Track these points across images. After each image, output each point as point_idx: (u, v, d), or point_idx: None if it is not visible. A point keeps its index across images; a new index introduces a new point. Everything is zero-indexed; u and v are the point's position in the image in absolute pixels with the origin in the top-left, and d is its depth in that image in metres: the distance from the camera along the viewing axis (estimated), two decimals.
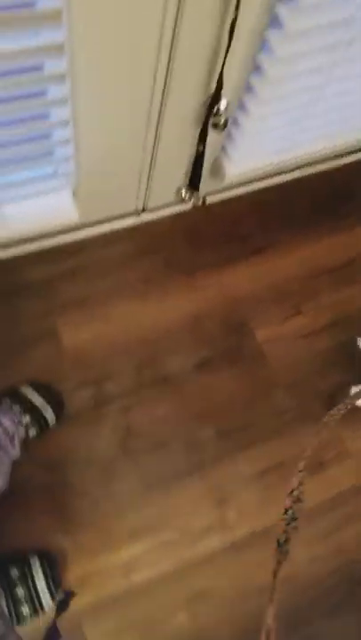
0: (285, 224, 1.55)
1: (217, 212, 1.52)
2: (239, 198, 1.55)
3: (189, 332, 1.40)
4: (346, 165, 1.63)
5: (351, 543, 1.28)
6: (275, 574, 0.82)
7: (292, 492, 0.94)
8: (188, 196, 1.34)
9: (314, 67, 1.01)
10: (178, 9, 0.79)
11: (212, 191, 1.48)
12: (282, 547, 0.85)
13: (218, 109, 1.03)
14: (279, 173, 1.54)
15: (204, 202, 1.41)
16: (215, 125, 1.06)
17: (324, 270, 1.51)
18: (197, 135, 1.14)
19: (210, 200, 1.51)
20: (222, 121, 1.04)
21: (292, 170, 1.55)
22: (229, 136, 1.22)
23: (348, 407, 1.24)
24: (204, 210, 1.48)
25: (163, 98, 0.99)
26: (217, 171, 1.34)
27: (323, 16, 0.88)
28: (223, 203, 1.53)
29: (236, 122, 1.15)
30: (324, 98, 1.13)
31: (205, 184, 1.42)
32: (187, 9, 0.80)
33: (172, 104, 1.02)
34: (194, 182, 1.27)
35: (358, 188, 1.63)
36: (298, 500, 0.93)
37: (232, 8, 0.81)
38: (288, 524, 0.88)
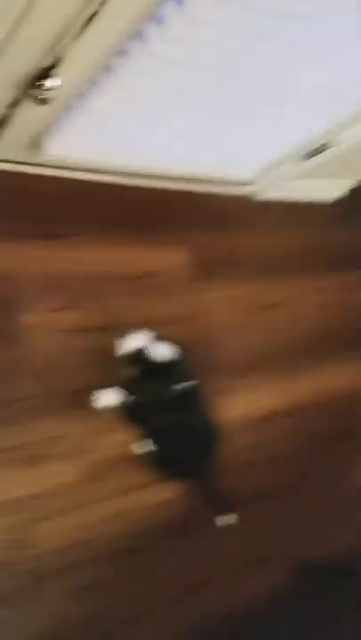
0: (94, 222, 1.55)
1: (28, 184, 1.46)
2: (57, 180, 1.50)
3: None
4: (175, 191, 1.70)
5: (41, 540, 1.31)
6: None
7: None
8: None
9: (167, 87, 1.04)
10: None
11: (27, 162, 1.44)
12: None
13: (42, 84, 0.99)
14: (108, 173, 1.53)
15: None
16: (33, 98, 1.03)
17: (113, 277, 1.55)
18: (10, 98, 1.09)
19: (24, 170, 1.46)
20: (42, 97, 1.01)
21: (122, 175, 1.55)
22: (64, 115, 1.18)
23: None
24: (3, 176, 1.42)
25: None
26: (36, 143, 1.30)
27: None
28: (38, 178, 1.47)
29: (72, 105, 1.13)
30: (166, 118, 1.16)
31: (18, 151, 1.37)
32: None
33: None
34: None
35: (175, 215, 1.72)
36: None
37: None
38: None
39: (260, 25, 0.90)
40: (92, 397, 1.35)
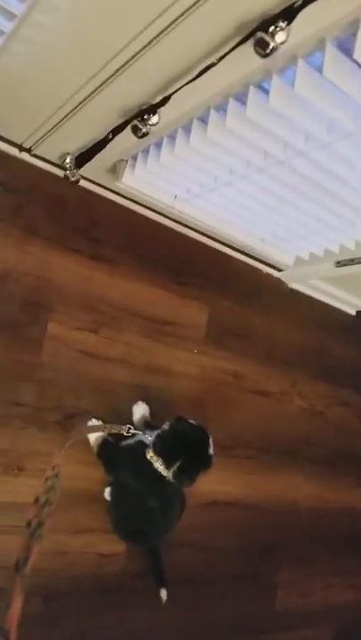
0: (138, 255, 1.60)
1: (95, 204, 1.51)
2: (120, 208, 1.56)
3: None
4: (217, 250, 1.77)
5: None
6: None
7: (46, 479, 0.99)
8: (69, 165, 1.30)
9: (245, 154, 1.10)
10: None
11: (103, 185, 1.48)
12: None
13: (147, 118, 1.04)
14: (167, 216, 1.61)
15: (77, 181, 1.37)
16: (135, 130, 1.08)
17: (140, 314, 1.58)
18: (116, 124, 1.13)
19: (98, 191, 1.50)
20: (143, 130, 1.06)
21: (178, 222, 1.63)
22: (147, 151, 1.24)
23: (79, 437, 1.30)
24: (79, 191, 1.46)
25: (117, 71, 0.98)
26: (116, 170, 1.35)
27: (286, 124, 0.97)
28: (105, 201, 1.53)
29: (159, 145, 1.18)
30: (236, 186, 1.23)
31: (98, 173, 1.41)
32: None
33: (120, 82, 1.01)
34: (81, 159, 1.26)
35: (210, 273, 1.77)
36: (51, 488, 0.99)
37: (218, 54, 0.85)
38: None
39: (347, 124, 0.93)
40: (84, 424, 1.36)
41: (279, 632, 1.91)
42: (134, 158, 1.28)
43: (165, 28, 0.84)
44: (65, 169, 1.33)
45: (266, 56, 0.73)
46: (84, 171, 1.37)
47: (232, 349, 1.83)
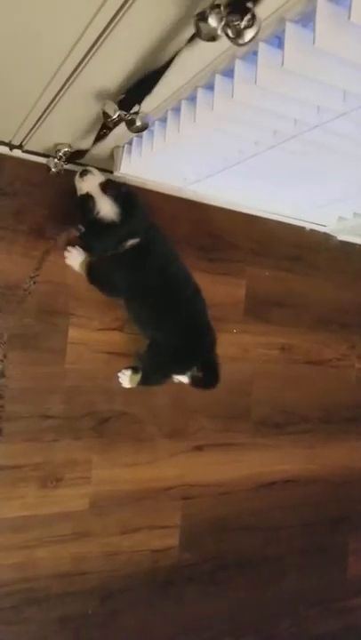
0: None
1: None
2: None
3: (3, 288, 1.26)
4: (249, 215, 1.58)
5: (37, 564, 1.29)
6: None
7: None
8: (63, 157, 1.17)
9: (240, 137, 0.91)
10: None
11: (105, 168, 1.33)
12: None
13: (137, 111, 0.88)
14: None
15: (58, 172, 1.22)
16: (130, 123, 0.92)
17: None
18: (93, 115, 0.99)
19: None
20: (138, 123, 0.90)
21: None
22: (141, 136, 1.08)
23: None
24: None
25: (83, 59, 0.82)
26: (113, 159, 1.21)
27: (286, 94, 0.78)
28: None
29: (152, 130, 1.02)
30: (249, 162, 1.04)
31: (99, 160, 1.27)
32: None
33: (97, 62, 0.85)
34: (76, 155, 1.12)
35: (243, 242, 1.60)
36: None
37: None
38: None
39: None
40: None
41: (353, 598, 1.87)
42: (130, 143, 1.12)
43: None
44: (58, 161, 1.19)
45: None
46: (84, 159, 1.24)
47: (277, 321, 1.68)
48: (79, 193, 1.18)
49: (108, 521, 1.37)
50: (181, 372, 1.32)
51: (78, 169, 1.23)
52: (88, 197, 1.15)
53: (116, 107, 0.88)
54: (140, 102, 0.88)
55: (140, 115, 0.90)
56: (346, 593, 1.85)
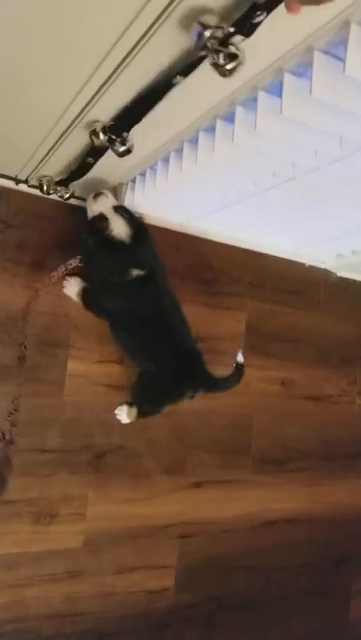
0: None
1: None
2: None
3: (4, 318, 1.26)
4: (250, 251, 1.60)
5: (29, 603, 1.26)
6: None
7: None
8: (53, 187, 1.19)
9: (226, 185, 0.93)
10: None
11: None
12: None
13: (123, 137, 0.90)
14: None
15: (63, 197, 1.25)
16: (111, 141, 0.94)
17: None
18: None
19: None
20: (121, 149, 0.92)
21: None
22: (144, 175, 1.10)
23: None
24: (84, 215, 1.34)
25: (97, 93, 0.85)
26: (117, 194, 1.23)
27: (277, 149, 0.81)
28: None
29: (155, 169, 1.04)
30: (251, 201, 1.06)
31: None
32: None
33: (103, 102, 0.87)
34: (67, 180, 1.14)
35: (244, 276, 1.61)
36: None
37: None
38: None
39: None
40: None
41: None
42: (133, 181, 1.15)
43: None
44: (48, 189, 1.21)
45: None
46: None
47: (277, 355, 1.67)
48: (91, 215, 1.18)
49: (102, 560, 1.34)
50: (175, 401, 1.32)
51: (81, 204, 1.25)
52: (101, 217, 1.14)
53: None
54: (128, 130, 0.90)
55: (126, 140, 0.91)
56: (349, 636, 1.79)
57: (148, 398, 1.34)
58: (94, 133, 0.89)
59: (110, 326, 1.30)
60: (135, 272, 1.16)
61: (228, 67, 0.56)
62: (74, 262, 1.24)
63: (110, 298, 1.25)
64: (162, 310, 1.24)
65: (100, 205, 1.14)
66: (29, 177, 1.25)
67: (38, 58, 0.75)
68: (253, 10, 0.54)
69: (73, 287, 1.29)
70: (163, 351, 1.26)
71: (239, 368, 1.33)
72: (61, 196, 1.23)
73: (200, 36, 0.57)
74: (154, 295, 1.22)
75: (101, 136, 0.89)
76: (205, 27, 0.56)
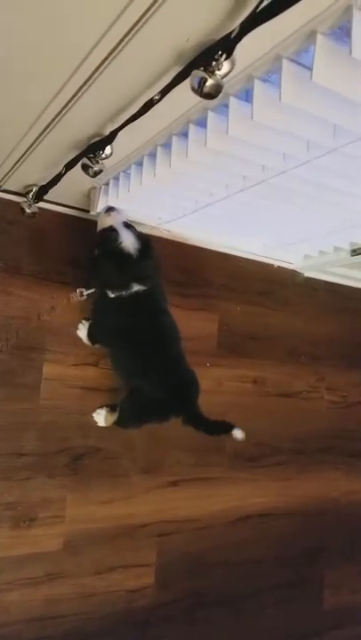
0: None
1: (77, 228, 1.39)
2: None
3: None
4: (221, 253, 1.64)
5: (8, 608, 1.25)
6: None
7: None
8: (32, 197, 1.20)
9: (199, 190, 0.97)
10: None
11: (81, 207, 1.37)
12: None
13: (96, 155, 0.93)
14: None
15: (33, 214, 1.27)
16: (85, 168, 0.97)
17: None
18: (69, 159, 1.03)
19: (79, 215, 1.39)
20: (94, 169, 0.95)
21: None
22: (117, 178, 1.12)
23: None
24: (58, 218, 1.35)
25: (67, 104, 0.87)
26: (90, 198, 1.25)
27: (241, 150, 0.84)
28: (87, 223, 1.39)
29: (128, 174, 1.07)
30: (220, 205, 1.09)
31: (76, 198, 1.31)
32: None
33: (73, 115, 0.89)
34: (41, 192, 1.16)
35: (215, 278, 1.65)
36: None
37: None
38: None
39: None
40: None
41: (330, 631, 1.86)
42: (107, 184, 1.17)
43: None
44: (27, 200, 1.23)
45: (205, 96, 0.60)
46: (60, 197, 1.27)
47: (249, 355, 1.72)
48: (101, 227, 1.20)
49: (82, 561, 1.34)
50: (161, 421, 1.34)
51: (55, 208, 1.26)
52: (111, 230, 1.17)
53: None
54: (103, 149, 0.92)
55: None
56: (323, 626, 1.84)
57: (135, 416, 1.36)
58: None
59: (109, 351, 1.34)
60: (136, 287, 1.19)
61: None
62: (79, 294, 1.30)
63: (108, 315, 1.27)
64: (158, 329, 1.27)
65: (111, 219, 1.18)
66: (1, 181, 1.25)
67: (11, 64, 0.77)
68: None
69: (83, 331, 1.35)
70: (157, 375, 1.28)
71: (229, 428, 1.29)
72: (28, 206, 1.24)
73: None
74: (150, 312, 1.25)
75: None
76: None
